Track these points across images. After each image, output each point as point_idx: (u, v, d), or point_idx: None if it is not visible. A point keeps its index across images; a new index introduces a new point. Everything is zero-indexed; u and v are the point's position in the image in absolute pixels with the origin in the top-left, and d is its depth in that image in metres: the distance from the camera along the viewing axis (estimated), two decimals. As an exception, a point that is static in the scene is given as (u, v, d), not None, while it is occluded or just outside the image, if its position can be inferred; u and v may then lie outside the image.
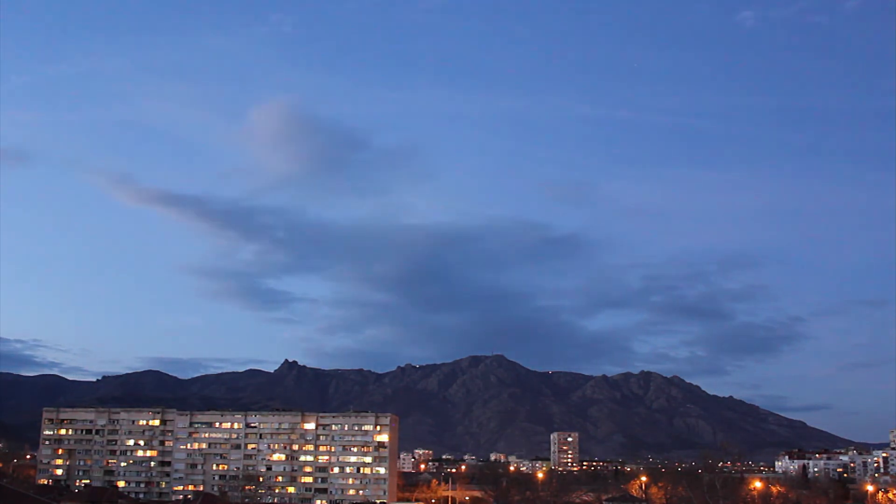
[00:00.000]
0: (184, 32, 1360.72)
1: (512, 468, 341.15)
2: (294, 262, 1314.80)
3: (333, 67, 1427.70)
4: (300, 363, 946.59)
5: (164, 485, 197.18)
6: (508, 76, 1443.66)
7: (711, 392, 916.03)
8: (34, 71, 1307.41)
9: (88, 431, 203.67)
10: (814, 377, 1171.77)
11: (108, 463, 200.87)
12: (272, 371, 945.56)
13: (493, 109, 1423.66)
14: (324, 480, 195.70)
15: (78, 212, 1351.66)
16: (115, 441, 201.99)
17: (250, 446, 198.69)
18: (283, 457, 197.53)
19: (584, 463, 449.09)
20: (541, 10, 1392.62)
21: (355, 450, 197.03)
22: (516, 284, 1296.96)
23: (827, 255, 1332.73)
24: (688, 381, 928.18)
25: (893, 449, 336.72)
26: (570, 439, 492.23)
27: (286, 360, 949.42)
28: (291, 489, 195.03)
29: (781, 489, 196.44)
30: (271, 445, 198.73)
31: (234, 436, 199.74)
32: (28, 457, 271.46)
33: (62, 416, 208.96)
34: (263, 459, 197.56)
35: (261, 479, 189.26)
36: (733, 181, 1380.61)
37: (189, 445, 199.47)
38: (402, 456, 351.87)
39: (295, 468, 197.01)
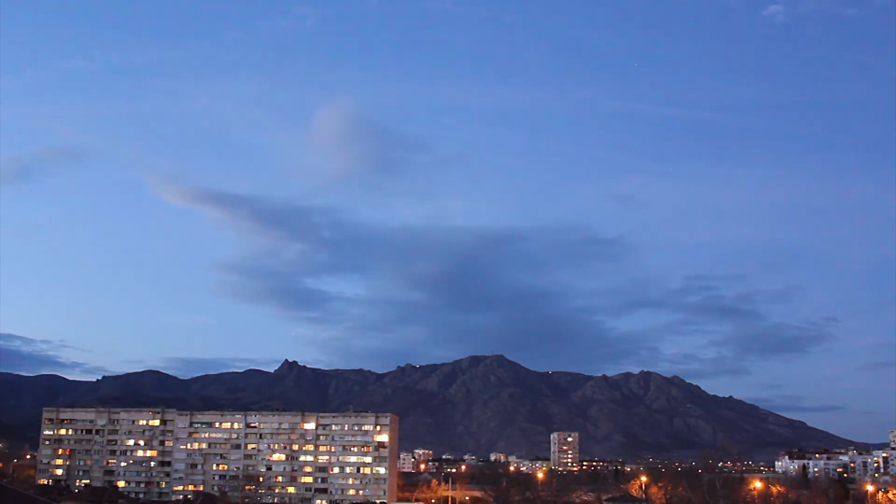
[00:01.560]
0: (243, 27, 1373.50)
1: (512, 468, 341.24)
2: (336, 262, 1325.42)
3: (387, 70, 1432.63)
4: (300, 363, 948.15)
5: (164, 485, 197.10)
6: (548, 74, 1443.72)
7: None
8: (84, 66, 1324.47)
9: (88, 431, 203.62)
10: (835, 377, 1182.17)
11: (108, 463, 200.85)
12: (272, 371, 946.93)
13: (535, 108, 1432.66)
14: (324, 480, 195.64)
15: (121, 210, 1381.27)
16: (115, 441, 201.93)
17: (250, 446, 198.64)
18: (283, 457, 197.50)
19: (584, 463, 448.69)
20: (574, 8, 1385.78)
21: (355, 450, 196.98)
22: (553, 285, 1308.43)
23: (861, 254, 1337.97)
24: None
25: (893, 449, 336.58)
26: (570, 439, 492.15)
27: (286, 360, 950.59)
28: (291, 489, 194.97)
29: (781, 489, 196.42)
30: (271, 445, 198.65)
31: (234, 436, 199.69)
32: (28, 457, 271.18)
33: (62, 416, 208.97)
34: (263, 459, 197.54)
35: (261, 479, 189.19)
36: (763, 177, 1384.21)
37: (189, 445, 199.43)
38: (402, 456, 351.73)
39: (295, 468, 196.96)
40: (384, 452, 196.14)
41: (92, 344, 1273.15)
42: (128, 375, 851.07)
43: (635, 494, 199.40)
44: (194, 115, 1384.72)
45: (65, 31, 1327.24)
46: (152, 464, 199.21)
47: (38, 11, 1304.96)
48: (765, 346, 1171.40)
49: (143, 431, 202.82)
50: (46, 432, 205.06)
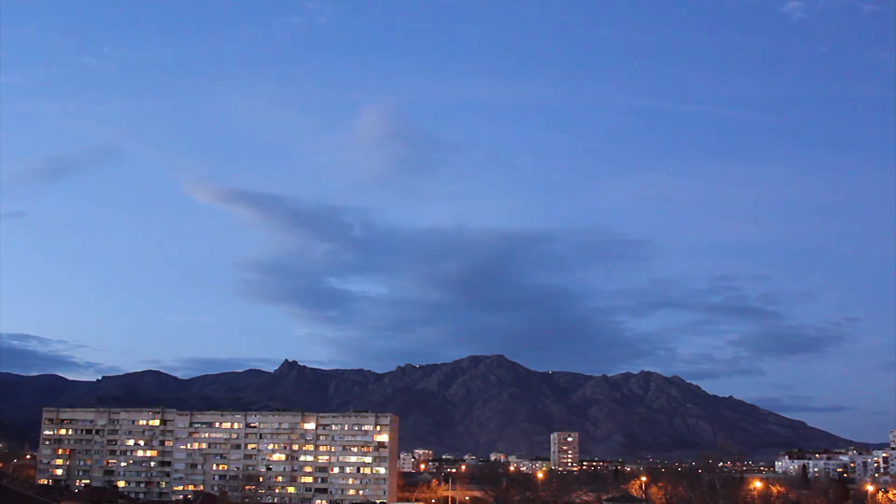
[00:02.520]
0: (264, 26, 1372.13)
1: (512, 468, 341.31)
2: (363, 262, 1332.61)
3: (416, 69, 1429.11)
4: (300, 363, 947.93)
5: (164, 485, 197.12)
6: (563, 71, 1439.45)
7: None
8: (117, 64, 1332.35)
9: (88, 431, 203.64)
10: (846, 377, 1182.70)
11: (108, 463, 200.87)
12: (272, 371, 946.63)
13: (556, 105, 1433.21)
14: (324, 480, 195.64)
15: (151, 209, 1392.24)
16: (115, 441, 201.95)
17: (250, 446, 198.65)
18: (283, 457, 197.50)
19: (584, 463, 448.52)
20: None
21: (355, 450, 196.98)
22: (575, 285, 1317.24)
23: (887, 253, 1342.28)
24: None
25: (893, 449, 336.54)
26: (570, 439, 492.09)
27: (286, 360, 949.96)
28: (291, 489, 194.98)
29: (781, 489, 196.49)
30: (271, 445, 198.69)
31: (234, 436, 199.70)
32: (28, 457, 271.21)
33: (62, 416, 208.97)
34: (263, 459, 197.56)
35: (261, 479, 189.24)
36: (788, 174, 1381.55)
37: (189, 445, 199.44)
38: (402, 456, 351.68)
39: (295, 468, 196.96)
40: (384, 452, 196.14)
41: (107, 344, 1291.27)
42: (128, 375, 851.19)
43: (635, 494, 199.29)
44: (226, 114, 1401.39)
45: (86, 27, 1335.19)
46: (152, 464, 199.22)
47: (58, 7, 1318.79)
48: (782, 347, 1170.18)
49: (143, 431, 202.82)
50: (46, 432, 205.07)
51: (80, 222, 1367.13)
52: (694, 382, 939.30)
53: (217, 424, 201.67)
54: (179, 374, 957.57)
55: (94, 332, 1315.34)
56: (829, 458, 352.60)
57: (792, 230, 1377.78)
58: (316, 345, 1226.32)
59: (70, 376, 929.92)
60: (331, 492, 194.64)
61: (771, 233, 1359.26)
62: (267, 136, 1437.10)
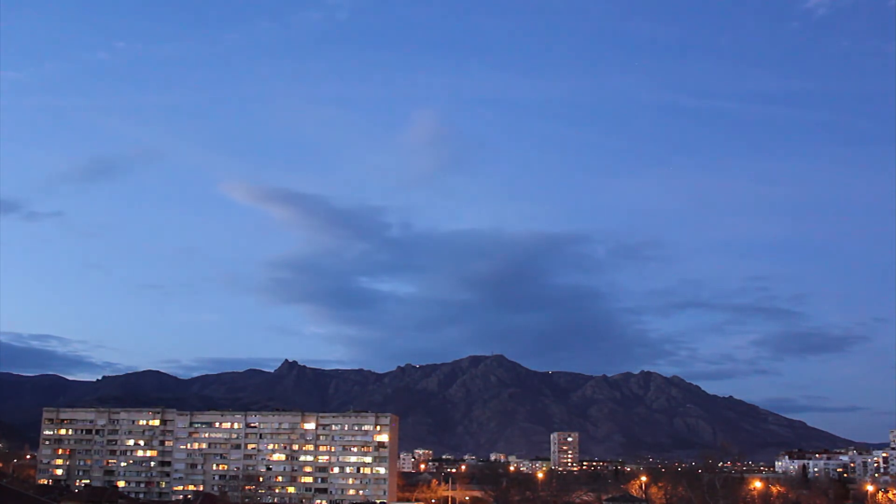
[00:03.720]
0: (274, 19, 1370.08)
1: (512, 468, 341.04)
2: (397, 262, 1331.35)
3: (455, 69, 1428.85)
4: (300, 363, 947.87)
5: (164, 485, 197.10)
6: (595, 69, 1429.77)
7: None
8: (153, 59, 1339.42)
9: (88, 431, 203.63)
10: (865, 377, 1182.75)
11: (108, 463, 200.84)
12: (272, 371, 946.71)
13: (587, 105, 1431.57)
14: (324, 480, 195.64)
15: (188, 207, 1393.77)
16: (115, 441, 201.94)
17: (250, 446, 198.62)
18: (283, 457, 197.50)
19: (584, 463, 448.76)
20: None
21: (355, 450, 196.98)
22: (605, 286, 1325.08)
23: None
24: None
25: (893, 449, 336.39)
26: (570, 439, 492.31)
27: (286, 360, 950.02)
28: (291, 489, 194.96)
29: (781, 489, 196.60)
30: (271, 445, 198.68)
31: (234, 436, 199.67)
32: (28, 457, 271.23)
33: (62, 416, 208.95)
34: (263, 459, 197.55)
35: (261, 479, 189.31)
36: (822, 171, 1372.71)
37: (189, 445, 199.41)
38: (402, 456, 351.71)
39: (295, 468, 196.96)
40: (384, 452, 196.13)
41: (125, 343, 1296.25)
42: (128, 375, 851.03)
43: (635, 494, 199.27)
44: (265, 112, 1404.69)
45: (116, 21, 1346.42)
46: (152, 464, 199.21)
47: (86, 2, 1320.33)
48: (805, 346, 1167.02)
49: (143, 431, 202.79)
50: (46, 432, 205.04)
51: (115, 222, 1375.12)
52: (699, 382, 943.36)
53: (217, 424, 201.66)
54: (181, 374, 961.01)
55: (111, 332, 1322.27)
56: (829, 458, 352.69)
57: (825, 229, 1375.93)
58: (333, 344, 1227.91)
59: (70, 376, 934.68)
60: (331, 492, 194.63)
61: (804, 232, 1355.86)
62: (308, 136, 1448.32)
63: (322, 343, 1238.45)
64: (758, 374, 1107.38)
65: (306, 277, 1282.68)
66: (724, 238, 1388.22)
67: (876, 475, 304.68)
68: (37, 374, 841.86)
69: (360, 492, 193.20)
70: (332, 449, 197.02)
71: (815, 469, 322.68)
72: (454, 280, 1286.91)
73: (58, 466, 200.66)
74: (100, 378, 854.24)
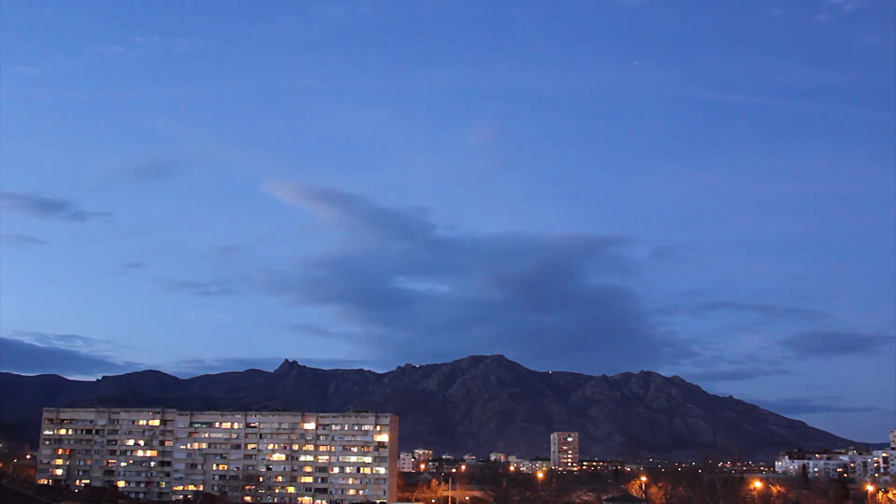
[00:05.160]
0: (296, 14, 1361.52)
1: (512, 468, 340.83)
2: (437, 262, 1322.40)
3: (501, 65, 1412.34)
4: (300, 363, 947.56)
5: (164, 485, 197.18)
6: (624, 65, 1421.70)
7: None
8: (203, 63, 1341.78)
9: (88, 431, 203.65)
10: (875, 377, 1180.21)
11: (108, 463, 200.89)
12: (272, 371, 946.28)
13: (615, 101, 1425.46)
14: (324, 480, 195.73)
15: (232, 207, 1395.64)
16: (115, 441, 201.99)
17: (250, 446, 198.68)
18: (283, 457, 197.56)
19: (584, 463, 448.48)
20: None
21: (355, 450, 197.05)
22: (641, 288, 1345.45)
23: None
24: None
25: (893, 449, 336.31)
26: (570, 439, 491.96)
27: (286, 360, 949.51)
28: (291, 489, 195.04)
29: (781, 489, 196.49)
30: (271, 445, 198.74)
31: (234, 436, 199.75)
32: (28, 457, 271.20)
33: (62, 416, 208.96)
34: (263, 459, 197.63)
35: (261, 479, 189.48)
36: (854, 167, 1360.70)
37: (189, 445, 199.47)
38: (402, 456, 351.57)
39: (295, 468, 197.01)
40: (384, 452, 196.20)
41: (146, 343, 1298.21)
42: (128, 375, 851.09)
43: (635, 494, 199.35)
44: (312, 112, 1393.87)
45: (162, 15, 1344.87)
46: (152, 464, 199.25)
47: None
48: (831, 346, 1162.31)
49: (143, 431, 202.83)
50: (46, 432, 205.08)
51: (158, 221, 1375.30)
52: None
53: (217, 424, 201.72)
54: (181, 374, 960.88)
55: (136, 332, 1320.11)
56: (829, 458, 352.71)
57: (862, 228, 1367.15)
58: (359, 343, 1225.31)
59: (70, 376, 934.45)
60: (331, 492, 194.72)
61: (841, 231, 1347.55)
62: (355, 136, 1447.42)
63: (344, 342, 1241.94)
64: (778, 373, 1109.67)
65: (342, 276, 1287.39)
66: (760, 236, 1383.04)
67: (876, 475, 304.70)
68: (37, 374, 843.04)
69: (360, 492, 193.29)
70: (332, 449, 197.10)
71: (815, 469, 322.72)
72: (489, 281, 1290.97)
73: (58, 466, 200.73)
74: (99, 378, 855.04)
